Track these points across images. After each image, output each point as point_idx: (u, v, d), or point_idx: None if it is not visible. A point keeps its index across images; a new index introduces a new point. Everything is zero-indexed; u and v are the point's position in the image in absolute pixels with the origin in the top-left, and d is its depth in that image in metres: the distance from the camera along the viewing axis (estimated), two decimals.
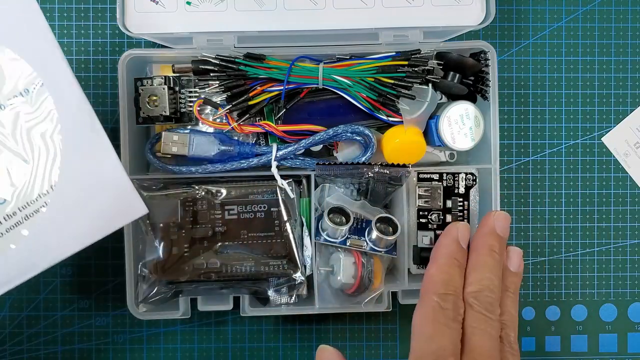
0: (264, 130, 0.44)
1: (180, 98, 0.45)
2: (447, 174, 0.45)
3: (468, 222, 0.45)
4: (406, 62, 0.43)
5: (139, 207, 0.35)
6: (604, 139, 0.50)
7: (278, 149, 0.43)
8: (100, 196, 0.34)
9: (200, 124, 0.45)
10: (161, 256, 0.42)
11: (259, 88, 0.43)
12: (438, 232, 0.45)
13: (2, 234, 0.33)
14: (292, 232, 0.43)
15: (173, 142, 0.43)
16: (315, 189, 0.44)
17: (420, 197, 0.45)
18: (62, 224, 0.34)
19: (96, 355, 0.49)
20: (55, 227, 0.34)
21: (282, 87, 0.42)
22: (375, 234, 0.42)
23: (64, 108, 0.34)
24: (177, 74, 0.44)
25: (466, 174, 0.45)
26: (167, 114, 0.43)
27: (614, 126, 0.50)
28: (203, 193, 0.43)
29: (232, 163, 0.43)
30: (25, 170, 0.33)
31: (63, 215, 0.34)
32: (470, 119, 0.44)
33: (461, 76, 0.44)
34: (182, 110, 0.45)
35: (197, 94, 0.44)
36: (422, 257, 0.45)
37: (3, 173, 0.33)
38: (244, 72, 0.42)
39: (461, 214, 0.45)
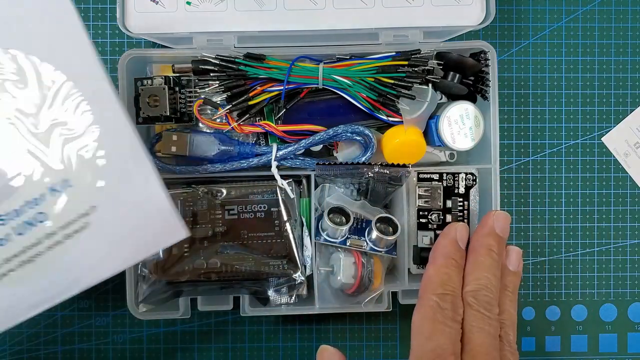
0: (264, 130, 0.44)
1: (180, 98, 0.44)
2: (447, 174, 0.45)
3: (468, 222, 0.45)
4: (406, 62, 0.43)
5: (180, 230, 0.34)
6: (604, 139, 0.50)
7: (278, 149, 0.43)
8: (141, 218, 0.33)
9: (200, 124, 0.45)
10: (161, 256, 0.42)
11: (259, 88, 0.43)
12: (438, 232, 0.45)
13: (41, 252, 0.33)
14: (292, 232, 0.43)
15: (173, 142, 0.43)
16: (315, 189, 0.44)
17: (420, 197, 0.45)
18: (102, 245, 0.33)
19: (96, 355, 0.49)
20: (96, 248, 0.33)
21: (282, 87, 0.42)
22: (375, 234, 0.42)
23: (105, 127, 0.33)
24: (177, 74, 0.44)
25: (466, 174, 0.45)
26: (167, 114, 0.43)
27: (614, 126, 0.50)
28: (203, 193, 0.43)
29: (232, 163, 0.43)
30: (67, 189, 0.33)
31: (104, 236, 0.33)
32: (470, 119, 0.44)
33: (461, 76, 0.44)
34: (182, 110, 0.45)
35: (197, 94, 0.44)
36: (422, 257, 0.45)
37: (45, 192, 0.33)
38: (244, 72, 0.42)
39: (461, 214, 0.45)
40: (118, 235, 0.33)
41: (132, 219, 0.33)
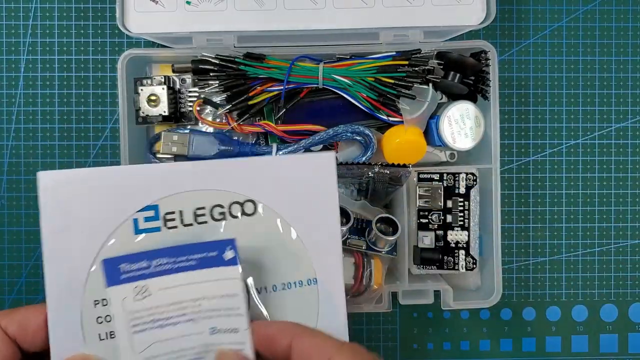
0: (264, 130, 0.43)
1: (180, 98, 0.44)
2: (448, 174, 0.45)
3: (468, 222, 0.45)
4: (406, 62, 0.43)
5: None
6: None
7: (278, 149, 0.42)
8: None
9: (200, 123, 0.45)
10: None
11: (258, 88, 0.43)
12: (438, 232, 0.45)
13: None
14: None
15: (173, 142, 0.42)
16: None
17: (420, 197, 0.45)
18: None
19: None
20: None
21: (282, 87, 0.42)
22: (375, 234, 0.42)
23: (325, 306, 0.31)
24: (177, 74, 0.44)
25: (467, 174, 0.45)
26: (167, 113, 0.43)
27: (614, 126, 0.50)
28: None
29: None
30: None
31: None
32: (471, 118, 0.44)
33: (462, 76, 0.44)
34: (182, 110, 0.45)
35: (196, 94, 0.44)
36: (422, 257, 0.44)
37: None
38: (243, 72, 0.42)
39: (462, 214, 0.45)
40: None
41: None
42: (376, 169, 0.42)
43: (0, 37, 0.48)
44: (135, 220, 0.30)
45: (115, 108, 0.48)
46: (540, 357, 0.50)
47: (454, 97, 0.45)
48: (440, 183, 0.45)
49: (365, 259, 0.43)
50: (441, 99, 0.46)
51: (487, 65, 0.43)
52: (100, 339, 0.29)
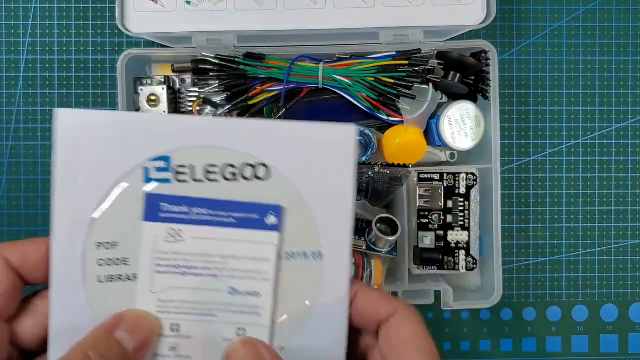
0: None
1: (179, 98, 0.44)
2: (448, 174, 0.45)
3: (469, 222, 0.45)
4: (407, 62, 0.43)
5: None
6: None
7: None
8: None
9: None
10: None
11: (258, 88, 0.43)
12: (439, 232, 0.45)
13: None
14: None
15: None
16: None
17: (420, 197, 0.45)
18: None
19: None
20: None
21: (282, 87, 0.42)
22: (375, 234, 0.42)
23: (329, 285, 0.30)
24: (177, 74, 0.44)
25: (467, 174, 0.45)
26: (167, 114, 0.43)
27: (615, 126, 0.50)
28: None
29: None
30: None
31: None
32: (471, 118, 0.43)
33: (462, 76, 0.44)
34: (182, 110, 0.44)
35: (196, 94, 0.44)
36: (423, 257, 0.44)
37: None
38: (243, 72, 0.42)
39: (462, 214, 0.45)
40: None
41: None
42: (376, 169, 0.42)
43: (0, 37, 0.48)
44: (147, 169, 0.29)
45: (116, 108, 0.48)
46: (540, 357, 0.50)
47: (454, 97, 0.45)
48: (441, 183, 0.45)
49: (365, 259, 0.43)
50: (441, 98, 0.46)
51: (487, 65, 0.43)
52: (99, 281, 0.29)
